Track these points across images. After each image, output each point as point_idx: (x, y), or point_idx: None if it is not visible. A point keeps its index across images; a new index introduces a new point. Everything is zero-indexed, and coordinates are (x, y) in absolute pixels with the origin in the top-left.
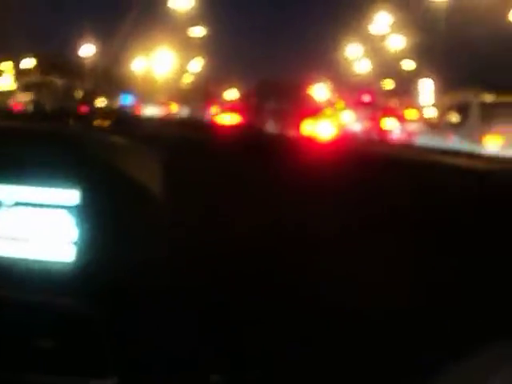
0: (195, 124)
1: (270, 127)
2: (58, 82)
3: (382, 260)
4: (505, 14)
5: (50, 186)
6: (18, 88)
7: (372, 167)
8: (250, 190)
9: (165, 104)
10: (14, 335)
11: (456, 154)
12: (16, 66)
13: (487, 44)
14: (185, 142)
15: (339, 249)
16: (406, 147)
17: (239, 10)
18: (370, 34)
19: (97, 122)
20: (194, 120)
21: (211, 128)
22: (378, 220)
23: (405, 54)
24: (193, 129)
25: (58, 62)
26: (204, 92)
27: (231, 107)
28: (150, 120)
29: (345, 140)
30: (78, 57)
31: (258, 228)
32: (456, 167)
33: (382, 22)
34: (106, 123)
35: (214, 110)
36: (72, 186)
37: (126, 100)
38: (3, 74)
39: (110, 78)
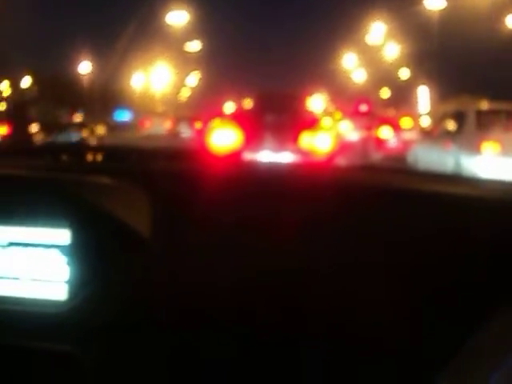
0: (184, 154)
1: (268, 141)
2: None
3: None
4: (500, 21)
5: (42, 226)
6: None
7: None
8: (237, 230)
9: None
10: (3, 376)
11: (454, 179)
12: (13, 84)
13: (482, 51)
14: (173, 178)
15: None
16: (398, 172)
17: (235, 23)
18: (366, 44)
19: (89, 157)
20: (183, 150)
21: (201, 159)
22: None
23: (400, 63)
24: (181, 160)
25: (54, 80)
26: (200, 106)
27: (229, 120)
28: (140, 152)
29: (334, 167)
30: (77, 74)
31: (242, 272)
32: (453, 198)
33: (377, 31)
34: (98, 157)
35: (211, 123)
36: (63, 226)
37: (122, 116)
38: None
39: (107, 95)
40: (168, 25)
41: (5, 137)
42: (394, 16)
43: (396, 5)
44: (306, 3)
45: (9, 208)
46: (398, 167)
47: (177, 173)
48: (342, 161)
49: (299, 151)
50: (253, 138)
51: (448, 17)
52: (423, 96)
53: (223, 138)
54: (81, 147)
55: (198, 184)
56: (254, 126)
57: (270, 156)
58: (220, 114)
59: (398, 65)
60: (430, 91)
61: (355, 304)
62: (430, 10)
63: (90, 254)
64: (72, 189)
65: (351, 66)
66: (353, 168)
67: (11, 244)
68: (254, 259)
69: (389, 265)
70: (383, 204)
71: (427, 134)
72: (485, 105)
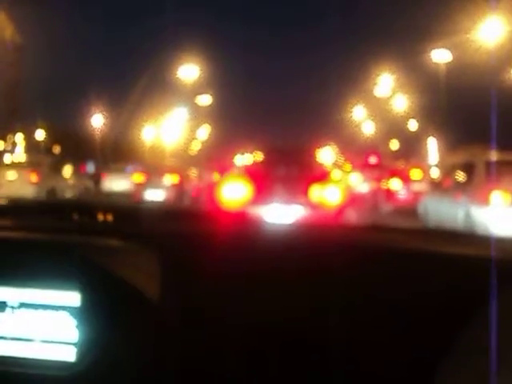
0: (193, 215)
1: (279, 194)
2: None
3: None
4: (505, 72)
5: (52, 288)
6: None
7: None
8: (246, 290)
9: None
10: None
11: (460, 238)
12: (27, 137)
13: (489, 102)
14: (182, 240)
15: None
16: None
17: (245, 77)
18: (374, 96)
19: (100, 217)
20: (192, 210)
21: (209, 220)
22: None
23: (409, 115)
24: (190, 222)
25: (66, 134)
26: (210, 159)
27: (241, 173)
28: (150, 212)
29: (339, 226)
30: (89, 127)
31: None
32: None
33: (385, 84)
34: (108, 218)
35: (223, 176)
36: (73, 289)
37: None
38: (16, 146)
39: (118, 148)
40: (179, 78)
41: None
42: (401, 68)
43: (403, 58)
44: (315, 57)
45: (19, 270)
46: (405, 226)
47: (186, 234)
48: (352, 213)
49: (309, 204)
50: (263, 190)
51: (454, 69)
52: (432, 147)
53: (234, 191)
54: (91, 206)
55: (207, 246)
56: (264, 179)
57: (280, 209)
58: (230, 167)
59: (406, 116)
60: (439, 142)
61: (360, 353)
62: (436, 63)
63: (99, 317)
64: (82, 252)
65: (360, 117)
66: (358, 227)
67: (22, 305)
68: (264, 318)
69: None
70: (388, 264)
71: (437, 186)
72: (494, 155)
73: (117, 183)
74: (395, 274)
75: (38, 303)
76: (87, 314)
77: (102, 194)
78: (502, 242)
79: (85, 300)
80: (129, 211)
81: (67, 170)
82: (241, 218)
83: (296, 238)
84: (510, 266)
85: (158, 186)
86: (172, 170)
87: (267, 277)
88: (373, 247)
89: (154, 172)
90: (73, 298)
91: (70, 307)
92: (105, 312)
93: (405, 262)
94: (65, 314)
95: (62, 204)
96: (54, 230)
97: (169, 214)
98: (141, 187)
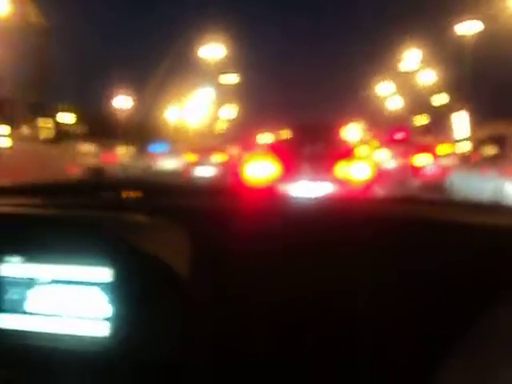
0: (221, 190)
1: (306, 171)
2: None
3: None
4: None
5: (83, 264)
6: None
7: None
8: (275, 265)
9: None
10: None
11: (492, 209)
12: (55, 120)
13: None
14: (210, 215)
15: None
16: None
17: (270, 58)
18: (401, 71)
19: (126, 193)
20: (220, 186)
21: (237, 195)
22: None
23: (436, 89)
24: (218, 197)
25: (93, 116)
26: (238, 137)
27: (267, 151)
28: (177, 188)
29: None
30: (114, 109)
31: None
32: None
33: (411, 58)
34: (135, 194)
35: (250, 154)
36: (103, 265)
37: (159, 148)
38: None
39: (143, 129)
40: (205, 58)
41: None
42: (428, 42)
43: (430, 30)
44: (340, 32)
45: (50, 246)
46: (435, 198)
47: (214, 210)
48: (379, 189)
49: (336, 180)
50: (290, 168)
51: (482, 41)
52: (460, 121)
53: (261, 169)
54: (118, 183)
55: (235, 221)
56: (291, 157)
57: (307, 186)
58: (257, 146)
59: (434, 91)
60: (468, 116)
61: (389, 325)
62: (463, 36)
63: (131, 292)
64: (111, 228)
65: (387, 93)
66: (388, 200)
67: (53, 281)
68: (293, 294)
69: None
70: (420, 235)
71: (465, 160)
72: None
73: (168, 162)
74: (425, 245)
75: (69, 279)
76: (118, 289)
77: (158, 173)
78: None
79: (115, 276)
80: (158, 187)
81: (127, 151)
82: (268, 194)
83: (324, 211)
84: None
85: (207, 164)
86: (220, 149)
87: (296, 251)
88: (401, 219)
89: (203, 151)
90: (104, 273)
91: (101, 283)
92: (135, 288)
93: (435, 232)
94: (96, 290)
95: (91, 183)
96: (82, 206)
97: (198, 189)
98: (191, 166)
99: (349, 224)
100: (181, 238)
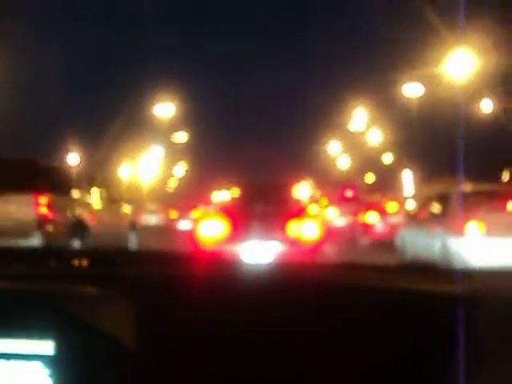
0: (169, 257)
1: (256, 229)
2: None
3: None
4: (474, 106)
5: (25, 337)
6: None
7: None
8: (222, 332)
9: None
10: None
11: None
12: None
13: (461, 135)
14: (158, 284)
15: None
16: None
17: (220, 115)
18: (349, 131)
19: (75, 262)
20: (167, 252)
21: (186, 262)
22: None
23: (384, 148)
24: (166, 265)
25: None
26: (188, 196)
27: (216, 210)
28: (126, 255)
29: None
30: (65, 165)
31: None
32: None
33: (359, 118)
34: (84, 263)
35: (197, 213)
36: (46, 338)
37: None
38: None
39: (95, 186)
40: (155, 116)
41: None
42: (375, 103)
43: (377, 92)
44: (289, 92)
45: None
46: (374, 264)
47: (161, 278)
48: (329, 248)
49: (287, 240)
50: (240, 227)
51: (426, 103)
52: (407, 180)
53: (211, 228)
54: (66, 252)
55: (184, 290)
56: (240, 216)
57: (257, 245)
58: (206, 204)
59: (381, 150)
60: (414, 175)
61: None
62: (408, 97)
63: (74, 366)
64: (55, 301)
65: (335, 152)
66: (331, 266)
67: None
68: (239, 360)
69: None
70: (359, 301)
71: (413, 218)
72: (468, 186)
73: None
74: (367, 310)
75: (10, 352)
76: (61, 362)
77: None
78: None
79: (58, 348)
80: (106, 255)
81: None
82: (215, 259)
83: (270, 278)
84: (475, 301)
85: (187, 218)
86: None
87: (242, 319)
88: (345, 285)
89: (183, 209)
90: (46, 346)
91: (43, 356)
92: (78, 360)
93: (376, 298)
94: (39, 363)
95: (42, 251)
96: (27, 277)
97: (148, 256)
98: (174, 221)
99: (293, 291)
100: (127, 309)
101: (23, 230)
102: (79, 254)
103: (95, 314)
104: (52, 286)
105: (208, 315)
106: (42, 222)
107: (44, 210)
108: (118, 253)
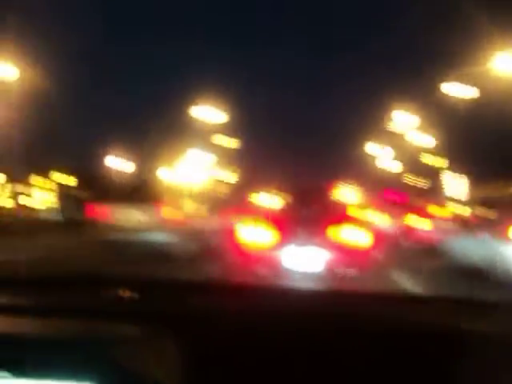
0: (207, 287)
1: (301, 235)
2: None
3: None
4: None
5: (69, 379)
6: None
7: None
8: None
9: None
10: None
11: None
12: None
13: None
14: (200, 319)
15: None
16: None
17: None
18: (397, 134)
19: (123, 292)
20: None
21: (230, 293)
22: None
23: (430, 150)
24: (204, 297)
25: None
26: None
27: (265, 215)
28: (174, 286)
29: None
30: (107, 169)
31: None
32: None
33: (408, 122)
34: (134, 296)
35: (244, 219)
36: (89, 380)
37: None
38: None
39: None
40: (201, 120)
41: None
42: (423, 106)
43: (425, 95)
44: (333, 95)
45: (38, 361)
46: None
47: (202, 314)
48: (376, 253)
49: (334, 246)
50: (286, 233)
51: (476, 104)
52: (456, 183)
53: (258, 234)
54: (117, 279)
55: (227, 321)
56: (287, 221)
57: (304, 251)
58: (254, 210)
59: (428, 152)
60: (464, 179)
61: None
62: (456, 98)
63: None
64: (101, 345)
65: (383, 156)
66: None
67: None
68: None
69: None
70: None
71: (463, 223)
72: None
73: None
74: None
75: None
76: None
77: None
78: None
79: None
80: (156, 286)
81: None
82: (259, 290)
83: (326, 309)
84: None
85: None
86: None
87: (285, 349)
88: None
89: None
90: None
91: None
92: None
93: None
94: None
95: (91, 277)
96: (77, 311)
97: (195, 287)
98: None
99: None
100: (172, 348)
101: None
102: (130, 283)
103: (138, 358)
104: (97, 327)
105: (253, 348)
106: None
107: None
108: (169, 284)
